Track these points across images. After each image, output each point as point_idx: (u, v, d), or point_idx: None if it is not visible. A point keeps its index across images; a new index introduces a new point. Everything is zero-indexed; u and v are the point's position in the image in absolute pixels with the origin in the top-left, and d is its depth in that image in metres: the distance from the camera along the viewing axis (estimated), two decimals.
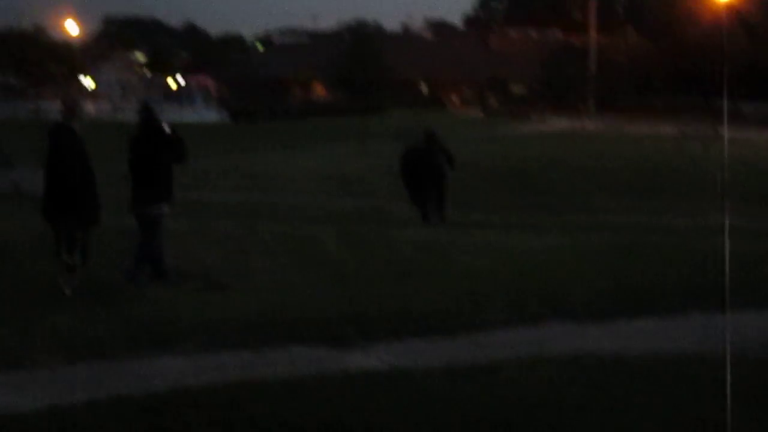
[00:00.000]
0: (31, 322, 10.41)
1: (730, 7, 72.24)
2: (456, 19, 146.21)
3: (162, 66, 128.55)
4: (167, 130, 12.85)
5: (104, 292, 12.19)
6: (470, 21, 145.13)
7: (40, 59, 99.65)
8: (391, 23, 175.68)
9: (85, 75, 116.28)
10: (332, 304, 11.04)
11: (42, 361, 8.90)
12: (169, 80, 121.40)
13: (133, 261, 12.85)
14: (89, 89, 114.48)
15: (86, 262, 12.61)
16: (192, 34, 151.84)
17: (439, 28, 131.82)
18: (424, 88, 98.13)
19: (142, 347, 9.36)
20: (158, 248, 12.85)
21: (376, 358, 9.08)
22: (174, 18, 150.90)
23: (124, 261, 13.00)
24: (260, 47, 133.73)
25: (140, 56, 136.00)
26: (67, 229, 12.45)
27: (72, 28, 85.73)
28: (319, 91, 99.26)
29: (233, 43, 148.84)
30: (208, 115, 79.63)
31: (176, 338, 9.61)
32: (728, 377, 6.08)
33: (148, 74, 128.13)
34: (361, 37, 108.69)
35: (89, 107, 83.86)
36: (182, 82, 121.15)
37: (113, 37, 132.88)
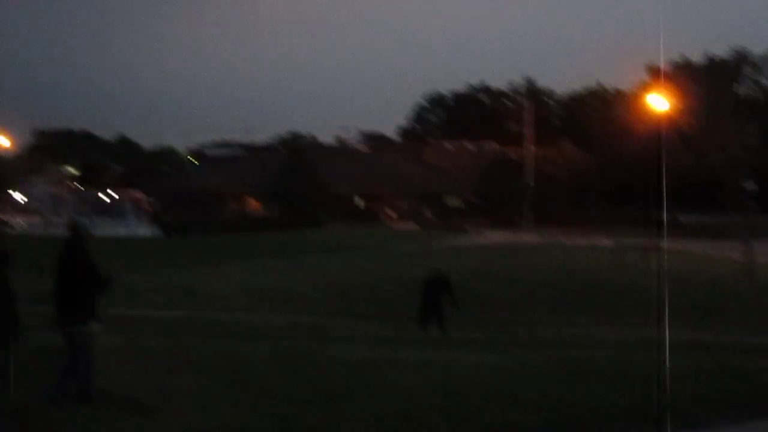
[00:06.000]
0: None
1: (666, 119, 73.53)
2: (391, 131, 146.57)
3: (94, 180, 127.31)
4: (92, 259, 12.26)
5: (26, 417, 11.42)
6: (405, 133, 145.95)
7: None
8: (326, 135, 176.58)
9: (15, 189, 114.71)
10: (257, 429, 10.47)
11: None
12: (101, 194, 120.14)
13: (58, 383, 12.14)
14: (20, 203, 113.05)
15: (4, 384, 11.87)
16: (125, 147, 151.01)
17: (374, 140, 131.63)
18: (359, 202, 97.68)
19: None
20: (85, 369, 12.17)
21: None
22: (107, 131, 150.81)
23: (48, 383, 12.23)
24: (193, 160, 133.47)
25: (72, 170, 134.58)
26: None
27: (2, 140, 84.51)
28: (253, 204, 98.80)
29: (166, 156, 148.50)
30: (140, 229, 78.76)
31: None
32: None
33: (80, 188, 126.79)
34: (295, 150, 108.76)
35: (20, 222, 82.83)
36: (114, 196, 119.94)
37: (45, 150, 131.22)
